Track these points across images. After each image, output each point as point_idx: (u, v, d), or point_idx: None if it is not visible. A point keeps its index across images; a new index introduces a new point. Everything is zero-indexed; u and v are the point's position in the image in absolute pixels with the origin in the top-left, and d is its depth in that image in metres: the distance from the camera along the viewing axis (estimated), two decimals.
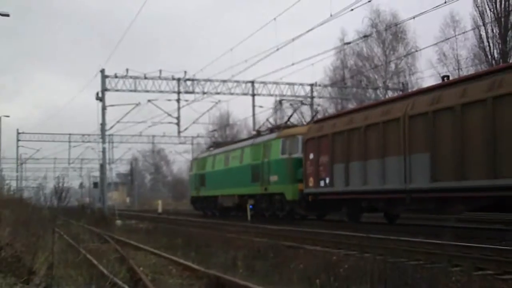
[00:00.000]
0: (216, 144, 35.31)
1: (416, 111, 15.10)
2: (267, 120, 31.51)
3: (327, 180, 19.30)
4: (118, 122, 37.07)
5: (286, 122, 27.12)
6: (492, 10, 30.48)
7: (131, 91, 33.48)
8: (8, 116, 48.73)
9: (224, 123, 61.60)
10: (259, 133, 27.40)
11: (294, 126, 24.68)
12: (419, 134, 14.91)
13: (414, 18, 22.46)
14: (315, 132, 20.50)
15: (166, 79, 33.72)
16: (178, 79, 33.85)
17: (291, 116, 28.41)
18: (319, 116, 29.94)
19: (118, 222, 26.57)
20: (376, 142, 16.63)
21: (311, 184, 20.35)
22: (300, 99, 34.88)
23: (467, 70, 33.49)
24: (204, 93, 34.68)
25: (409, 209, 17.01)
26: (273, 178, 23.15)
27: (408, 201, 15.66)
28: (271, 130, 25.77)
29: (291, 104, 42.05)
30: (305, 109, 42.73)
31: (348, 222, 19.57)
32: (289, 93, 36.13)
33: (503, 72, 13.14)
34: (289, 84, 35.44)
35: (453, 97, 13.91)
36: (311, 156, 20.31)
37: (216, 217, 29.45)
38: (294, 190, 21.71)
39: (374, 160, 16.70)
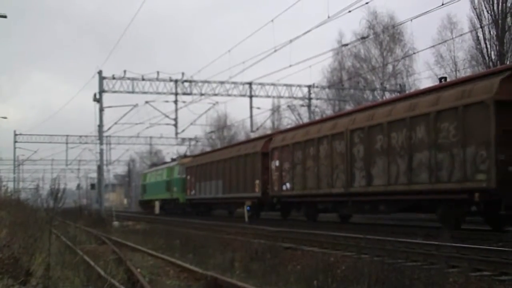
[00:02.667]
0: (153, 164, 52.24)
1: (220, 158, 30.55)
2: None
3: (194, 191, 34.40)
4: (115, 123, 37.22)
5: (184, 154, 43.90)
6: (489, 12, 30.46)
7: (128, 92, 33.50)
8: (5, 118, 48.47)
9: (221, 125, 61.57)
10: (173, 160, 43.96)
11: (189, 156, 39.63)
12: (219, 170, 30.15)
13: (411, 20, 22.55)
14: (190, 163, 36.49)
15: (163, 80, 33.73)
16: (176, 81, 33.84)
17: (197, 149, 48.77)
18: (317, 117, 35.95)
19: (115, 223, 26.54)
20: (210, 172, 31.66)
21: (188, 193, 35.70)
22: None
23: (465, 71, 33.55)
24: (201, 94, 34.69)
25: (220, 208, 34.00)
26: (175, 189, 38.27)
27: (217, 204, 32.79)
28: (180, 157, 41.62)
29: (288, 106, 42.20)
30: (303, 111, 42.87)
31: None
32: (286, 94, 36.21)
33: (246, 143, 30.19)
34: (286, 85, 35.47)
35: (230, 152, 29.78)
36: (188, 177, 35.78)
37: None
38: (183, 196, 36.62)
39: (209, 181, 31.64)
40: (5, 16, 22.66)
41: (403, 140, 15.84)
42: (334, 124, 19.45)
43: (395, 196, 16.61)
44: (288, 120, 48.66)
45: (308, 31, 24.80)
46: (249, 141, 30.51)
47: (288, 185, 22.25)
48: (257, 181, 25.19)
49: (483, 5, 30.65)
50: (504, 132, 12.84)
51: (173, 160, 44.17)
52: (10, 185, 53.81)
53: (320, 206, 21.39)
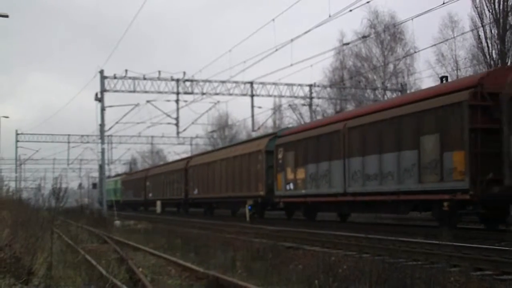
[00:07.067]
0: (109, 176, 67.72)
1: (132, 178, 57.15)
2: None
3: (125, 195, 56.82)
4: (117, 123, 37.36)
5: (124, 172, 66.91)
6: (490, 10, 30.41)
7: (130, 92, 33.43)
8: (7, 117, 48.47)
9: (223, 124, 61.60)
10: (119, 175, 66.67)
11: (126, 174, 63.21)
12: (131, 184, 55.68)
13: (412, 19, 22.53)
14: (124, 178, 60.64)
15: (165, 79, 33.69)
16: (177, 80, 33.82)
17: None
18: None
19: (117, 222, 26.57)
20: (129, 185, 56.64)
21: (124, 197, 57.64)
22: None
23: (466, 70, 33.53)
24: (203, 93, 34.65)
25: (135, 206, 56.08)
26: (118, 194, 57.99)
27: (133, 204, 56.60)
28: (125, 173, 66.60)
29: (290, 105, 42.20)
30: (305, 110, 42.87)
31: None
32: (288, 94, 36.13)
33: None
34: (288, 85, 35.40)
35: (134, 175, 58.74)
36: (123, 187, 58.32)
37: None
38: (122, 199, 56.57)
39: (129, 191, 56.37)
40: (6, 16, 22.62)
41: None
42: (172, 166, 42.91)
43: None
44: (290, 119, 48.69)
45: (309, 30, 24.88)
46: (139, 171, 58.98)
47: (150, 194, 46.63)
48: (142, 192, 49.37)
49: (484, 4, 30.60)
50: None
51: (118, 175, 68.65)
52: (12, 184, 53.83)
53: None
